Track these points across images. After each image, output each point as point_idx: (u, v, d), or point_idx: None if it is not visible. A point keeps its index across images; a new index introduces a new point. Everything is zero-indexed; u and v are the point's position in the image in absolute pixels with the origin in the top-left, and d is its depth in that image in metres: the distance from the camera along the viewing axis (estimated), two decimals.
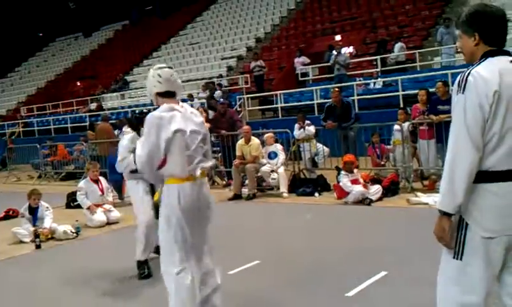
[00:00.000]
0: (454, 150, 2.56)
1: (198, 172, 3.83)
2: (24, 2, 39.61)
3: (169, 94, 3.89)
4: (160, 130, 3.71)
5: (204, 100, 19.00)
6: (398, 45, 17.98)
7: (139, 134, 5.66)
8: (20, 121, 28.52)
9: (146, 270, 5.63)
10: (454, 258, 2.64)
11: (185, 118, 3.81)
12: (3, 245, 7.87)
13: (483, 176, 2.55)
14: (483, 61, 2.59)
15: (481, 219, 2.57)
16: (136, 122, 5.86)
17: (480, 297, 2.60)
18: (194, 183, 3.82)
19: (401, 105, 12.93)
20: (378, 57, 18.05)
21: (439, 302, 2.75)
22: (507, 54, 2.64)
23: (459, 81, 2.57)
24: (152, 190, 5.62)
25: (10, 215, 10.11)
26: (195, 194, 3.82)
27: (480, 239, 2.57)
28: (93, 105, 25.95)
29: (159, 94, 3.89)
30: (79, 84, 32.13)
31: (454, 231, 2.62)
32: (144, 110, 6.74)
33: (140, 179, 5.53)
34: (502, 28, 2.65)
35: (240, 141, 10.73)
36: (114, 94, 27.66)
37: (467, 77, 2.54)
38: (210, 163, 3.98)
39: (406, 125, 9.86)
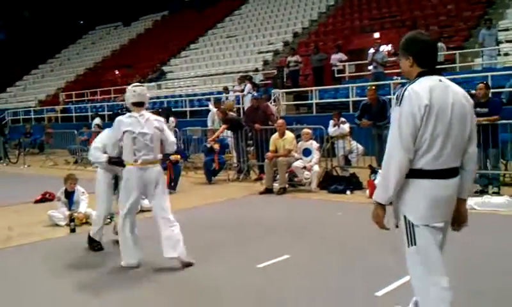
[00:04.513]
0: (389, 152, 3.02)
1: (139, 161, 5.62)
2: None
3: (139, 104, 5.82)
4: (119, 129, 5.72)
5: (239, 93, 19.05)
6: (437, 45, 17.66)
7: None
8: (58, 106, 29.10)
9: (99, 245, 6.65)
10: (409, 246, 3.09)
11: (137, 123, 5.66)
12: (39, 228, 8.08)
13: (417, 173, 3.00)
14: (417, 79, 3.05)
15: (415, 210, 3.03)
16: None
17: (442, 271, 3.05)
18: (138, 167, 5.62)
19: None
20: None
21: (413, 285, 3.17)
22: (438, 73, 3.11)
23: (397, 95, 3.03)
24: (116, 182, 6.62)
25: (47, 198, 10.33)
26: (138, 174, 5.64)
27: (422, 227, 3.03)
28: None
29: (133, 103, 5.81)
30: (117, 72, 32.56)
31: (402, 226, 3.10)
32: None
33: (109, 170, 6.58)
34: (433, 53, 3.17)
35: (275, 135, 10.73)
36: (151, 84, 27.96)
37: (404, 92, 2.99)
38: (151, 156, 5.68)
39: None
